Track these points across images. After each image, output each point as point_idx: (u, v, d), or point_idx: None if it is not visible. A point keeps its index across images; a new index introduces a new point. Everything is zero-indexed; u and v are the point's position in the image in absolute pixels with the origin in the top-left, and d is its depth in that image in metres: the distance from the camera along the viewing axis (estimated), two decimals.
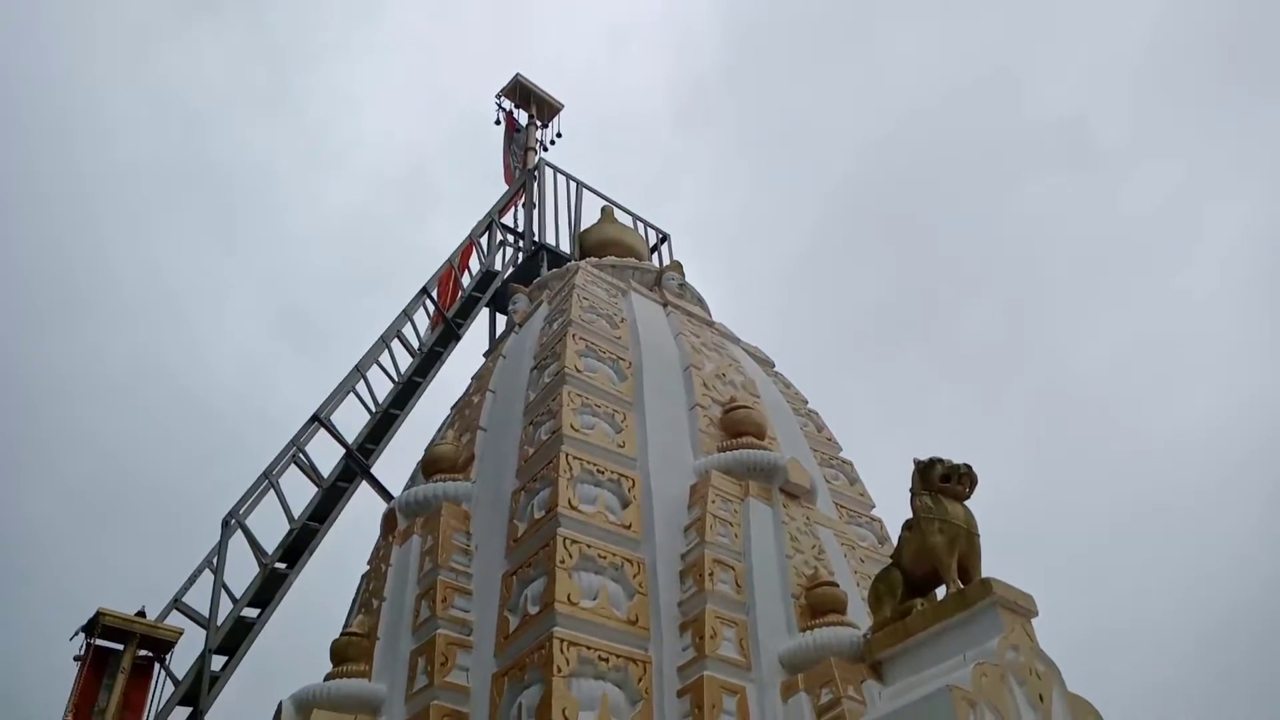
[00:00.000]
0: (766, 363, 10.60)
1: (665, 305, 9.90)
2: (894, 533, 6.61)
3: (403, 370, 11.73)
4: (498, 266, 13.49)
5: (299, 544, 9.82)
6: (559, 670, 5.65)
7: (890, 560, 6.45)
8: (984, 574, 5.63)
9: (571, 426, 7.21)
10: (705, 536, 6.74)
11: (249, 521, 9.60)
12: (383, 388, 11.57)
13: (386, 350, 11.80)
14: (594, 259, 11.00)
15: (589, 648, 5.87)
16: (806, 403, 10.23)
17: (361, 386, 11.33)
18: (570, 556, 6.32)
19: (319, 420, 10.42)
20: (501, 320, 12.53)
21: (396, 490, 8.69)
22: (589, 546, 6.46)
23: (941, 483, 5.97)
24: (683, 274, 10.85)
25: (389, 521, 8.21)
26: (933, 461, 6.06)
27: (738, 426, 8.06)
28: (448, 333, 12.34)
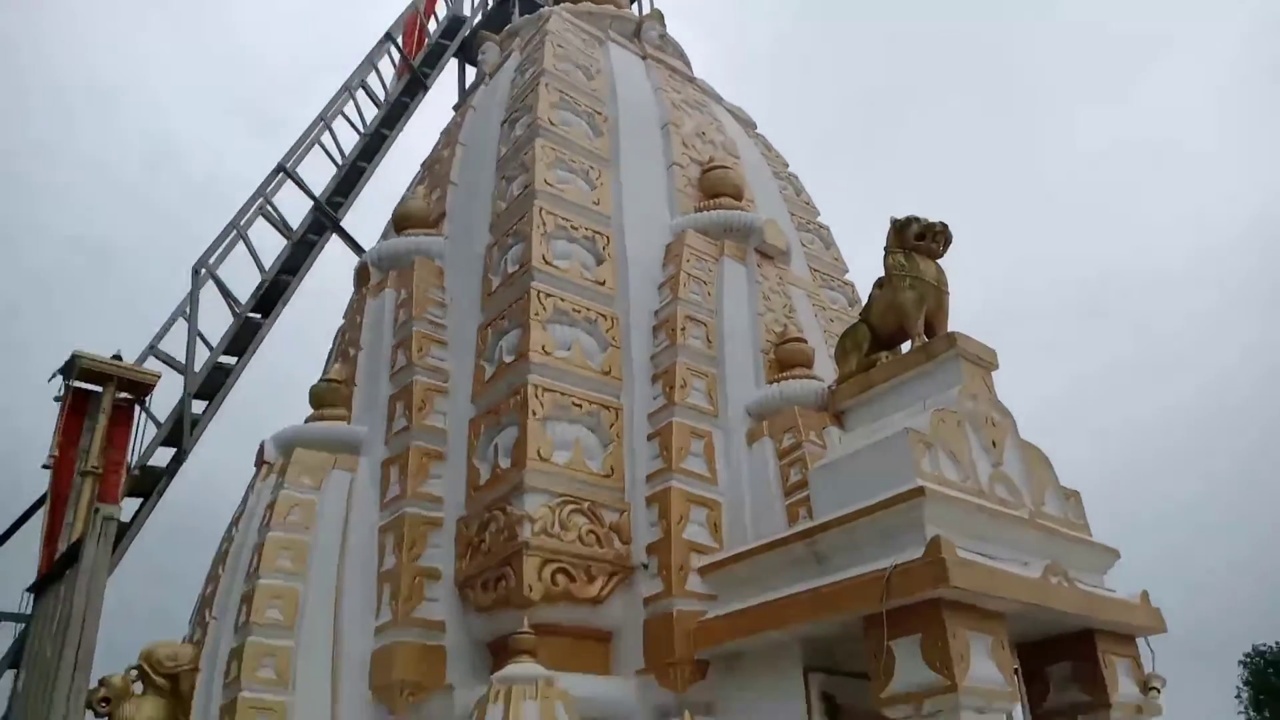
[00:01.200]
0: (748, 124, 10.33)
1: (644, 58, 9.48)
2: (866, 298, 6.73)
3: (369, 122, 11.36)
4: (466, 12, 12.77)
5: (272, 295, 9.85)
6: (534, 414, 5.88)
7: (860, 317, 6.64)
8: (950, 329, 5.81)
9: (545, 181, 7.08)
10: (679, 293, 6.83)
11: (222, 274, 9.59)
12: (350, 142, 11.27)
13: (352, 101, 11.38)
14: (569, 4, 10.39)
15: (563, 394, 6.08)
16: (787, 166, 10.06)
17: (328, 140, 11.03)
18: (544, 310, 6.40)
19: (284, 170, 10.18)
20: (471, 72, 12.03)
21: (368, 246, 8.61)
22: (563, 300, 6.53)
23: (916, 240, 6.03)
24: (664, 24, 10.33)
25: (362, 275, 8.23)
26: (909, 219, 6.09)
27: (715, 186, 7.97)
28: (414, 83, 11.83)
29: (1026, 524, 4.92)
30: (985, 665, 4.19)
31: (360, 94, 11.51)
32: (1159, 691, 5.10)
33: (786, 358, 6.77)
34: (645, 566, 5.72)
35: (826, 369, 6.86)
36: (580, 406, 6.12)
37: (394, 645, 5.72)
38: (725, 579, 5.42)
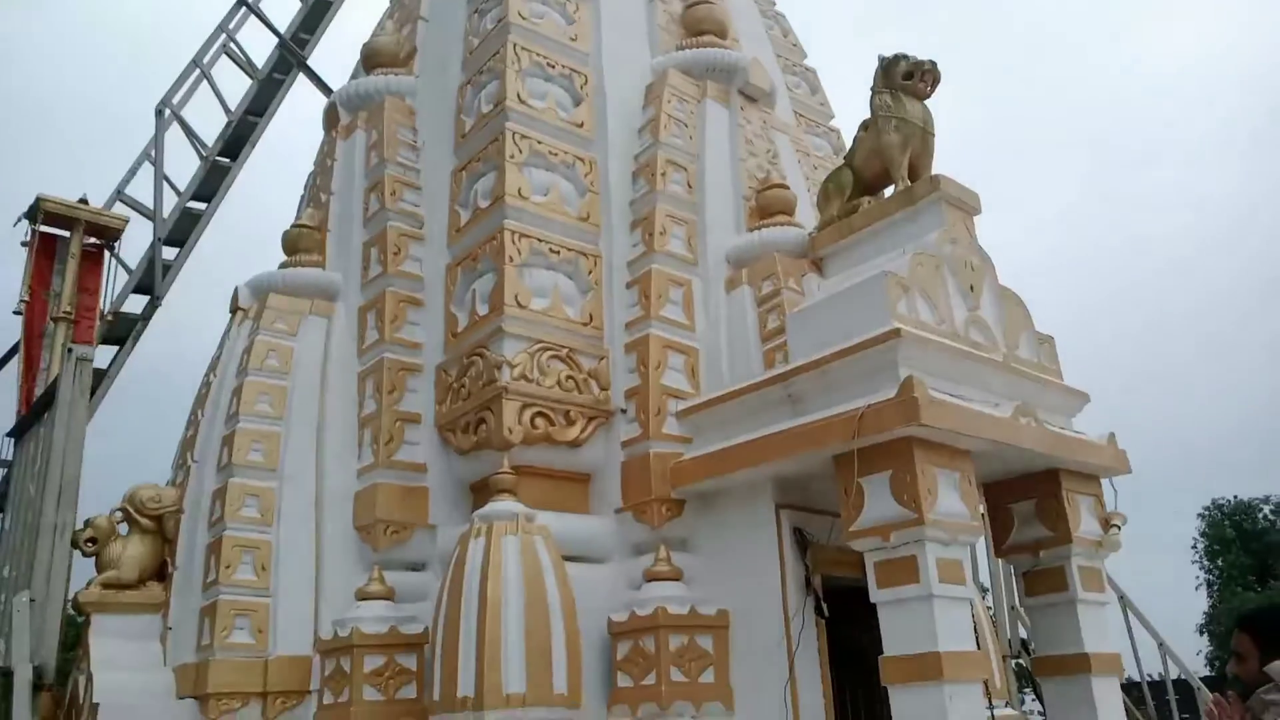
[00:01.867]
0: None
1: None
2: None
3: None
4: None
5: (239, 137, 9.57)
6: (511, 260, 5.84)
7: (843, 162, 6.53)
8: (934, 173, 5.73)
9: (519, 14, 6.78)
10: (659, 137, 6.67)
11: (187, 116, 9.28)
12: None
13: None
14: None
15: (540, 240, 6.02)
16: (774, 4, 9.69)
17: None
18: (520, 151, 6.25)
19: (247, 4, 9.71)
20: None
21: (337, 86, 8.31)
22: (539, 143, 6.38)
23: (903, 80, 5.86)
24: None
25: (331, 116, 8.00)
26: (897, 58, 5.90)
27: (698, 24, 7.67)
28: None
29: (999, 366, 4.99)
30: (952, 500, 4.33)
31: None
32: (1119, 529, 5.32)
33: (768, 204, 6.69)
34: (623, 411, 5.82)
35: (809, 216, 6.80)
36: (558, 253, 6.08)
37: (376, 486, 5.87)
38: (702, 422, 5.51)
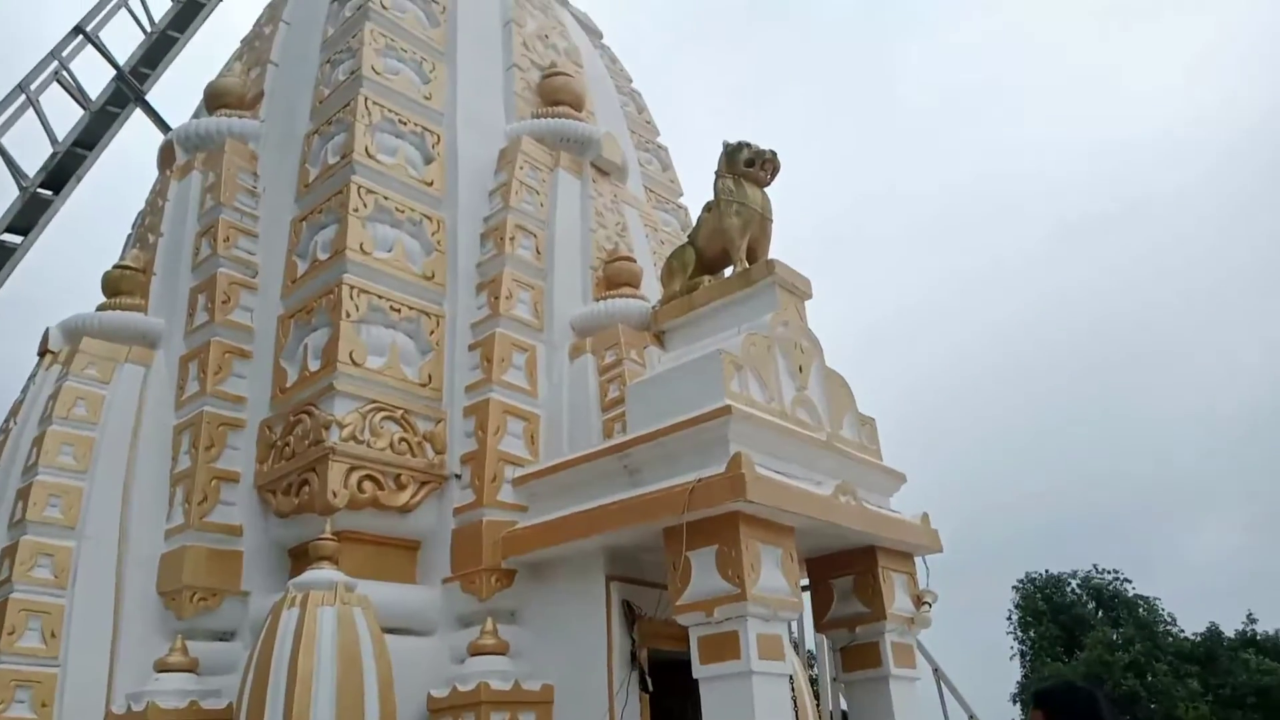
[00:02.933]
0: (595, 33, 10.16)
1: None
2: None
3: None
4: None
5: (65, 170, 9.01)
6: (347, 315, 5.69)
7: (687, 240, 6.74)
8: (771, 257, 5.99)
9: (373, 68, 6.74)
10: (510, 201, 6.71)
11: (6, 142, 8.69)
12: (162, 8, 10.34)
13: None
14: None
15: (380, 296, 5.91)
16: (631, 81, 9.99)
17: (136, 4, 10.07)
18: (365, 205, 6.15)
19: (83, 33, 9.24)
20: None
21: (176, 124, 7.98)
22: (386, 198, 6.29)
23: (745, 167, 6.14)
24: None
25: (166, 155, 7.66)
26: (740, 145, 6.19)
27: (555, 94, 7.83)
28: None
29: (823, 445, 5.19)
30: (774, 576, 4.44)
31: None
32: (930, 606, 5.58)
33: (615, 276, 6.82)
34: (458, 477, 5.72)
35: (654, 290, 6.95)
36: (399, 311, 5.97)
37: (185, 549, 5.52)
38: (538, 490, 5.48)
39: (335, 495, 5.21)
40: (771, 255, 6.02)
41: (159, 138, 8.78)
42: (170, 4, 10.32)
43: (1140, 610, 27.95)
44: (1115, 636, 26.01)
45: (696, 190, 7.84)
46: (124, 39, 9.93)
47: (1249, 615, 26.30)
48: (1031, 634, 30.10)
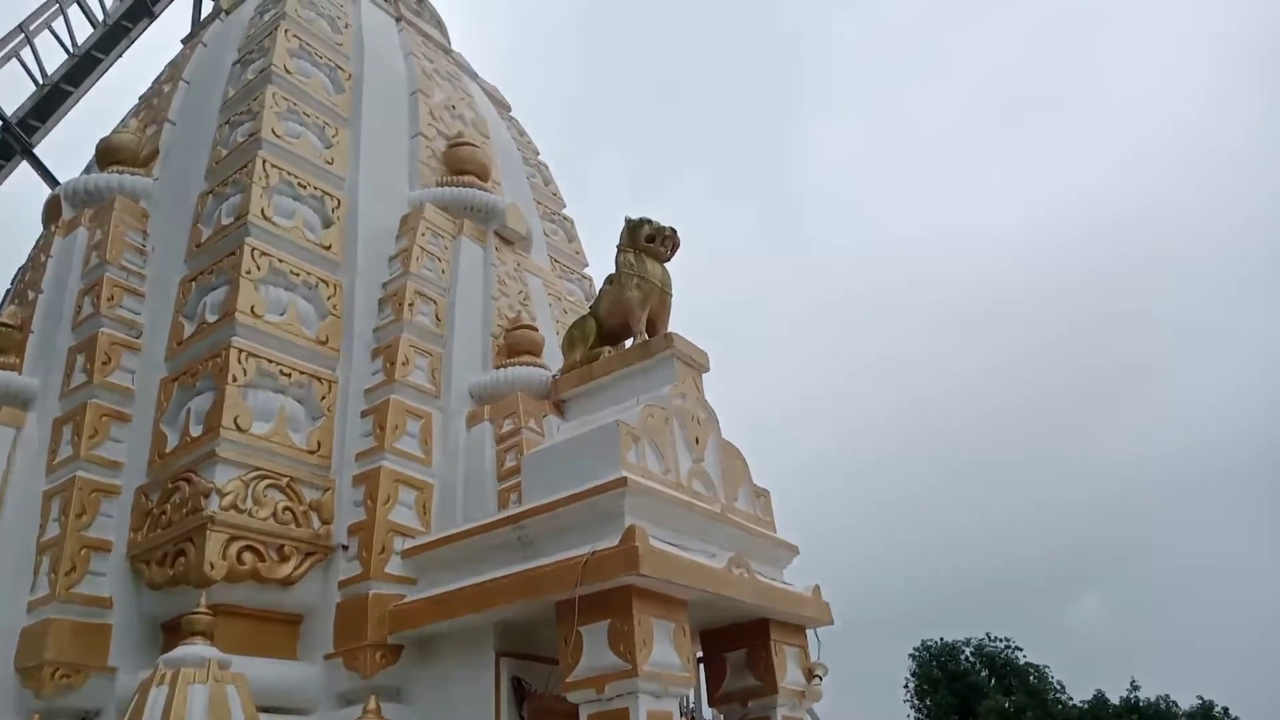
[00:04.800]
0: (502, 105, 10.27)
1: (399, 20, 9.15)
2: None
3: (80, 42, 10.17)
4: None
5: None
6: (234, 379, 5.50)
7: (589, 311, 6.78)
8: (669, 330, 6.07)
9: (273, 131, 6.65)
10: (410, 267, 6.67)
11: None
12: (56, 61, 10.06)
13: (62, 15, 10.15)
14: None
15: (270, 360, 5.74)
16: (538, 154, 10.10)
17: (28, 55, 9.78)
18: (258, 268, 6.01)
19: None
20: (209, 4, 11.09)
21: (65, 179, 7.71)
22: (280, 261, 6.17)
23: (646, 242, 6.25)
24: None
25: (53, 210, 7.37)
26: (641, 221, 6.31)
27: (461, 163, 7.85)
28: (140, 8, 10.73)
29: (717, 517, 5.21)
30: (666, 650, 4.39)
31: (74, 8, 10.28)
32: (820, 679, 5.58)
33: (515, 344, 6.79)
34: (345, 548, 5.53)
35: (556, 359, 6.95)
36: (289, 376, 5.81)
37: (49, 621, 5.17)
38: (429, 563, 5.34)
39: (212, 567, 4.96)
40: (671, 329, 6.11)
41: (45, 192, 8.45)
42: (65, 56, 10.04)
43: (1031, 678, 28.55)
44: (1008, 704, 26.48)
45: (602, 261, 7.95)
46: (14, 90, 9.62)
47: (1132, 682, 27.12)
48: (928, 702, 30.41)
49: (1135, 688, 27.06)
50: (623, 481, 4.58)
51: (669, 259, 6.32)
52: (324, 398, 5.97)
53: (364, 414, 6.02)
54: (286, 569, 5.27)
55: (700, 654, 5.60)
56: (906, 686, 31.54)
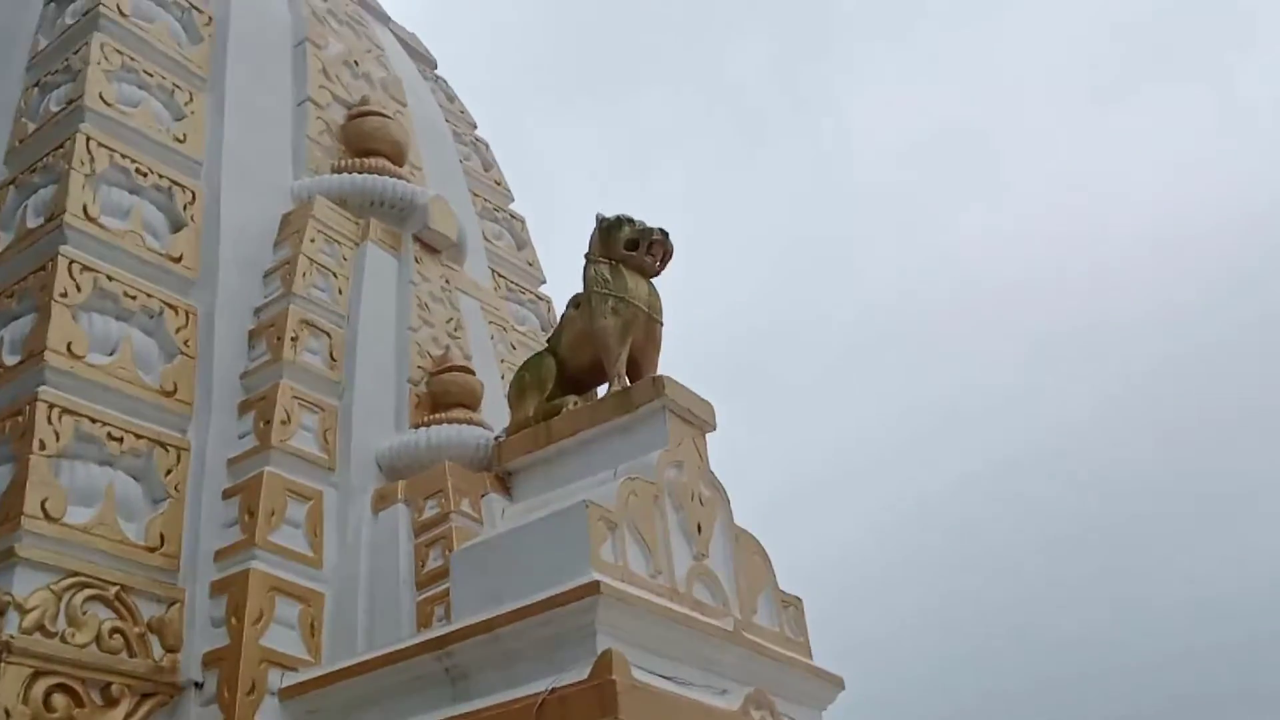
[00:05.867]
0: (426, 60, 10.36)
1: None
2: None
3: None
4: None
5: None
6: (42, 446, 5.47)
7: (546, 345, 6.76)
8: (659, 372, 6.06)
9: (101, 97, 6.69)
10: (294, 287, 6.67)
11: None
12: None
13: None
14: None
15: (93, 419, 5.74)
16: (475, 127, 10.18)
17: None
18: (77, 289, 6.01)
19: None
20: None
21: None
22: (109, 280, 6.19)
23: (627, 250, 6.26)
24: None
25: None
26: (619, 221, 6.34)
27: (365, 140, 7.90)
28: None
29: (729, 638, 5.17)
30: None
31: None
32: None
33: (443, 393, 6.80)
34: (198, 686, 5.51)
35: (499, 413, 6.95)
36: (120, 440, 5.81)
37: None
38: (320, 704, 5.33)
39: (9, 715, 4.89)
40: (662, 370, 6.11)
41: None
42: None
43: None
44: None
45: (565, 276, 7.95)
46: None
47: None
48: None
49: None
50: (594, 587, 4.55)
51: (658, 273, 6.32)
52: (170, 471, 5.97)
53: (227, 494, 6.02)
54: (115, 715, 5.22)
55: None
56: None
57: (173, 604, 5.63)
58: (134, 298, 6.23)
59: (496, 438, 6.43)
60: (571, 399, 6.29)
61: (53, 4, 7.61)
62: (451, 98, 10.11)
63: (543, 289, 9.40)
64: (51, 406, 5.59)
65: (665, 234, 6.31)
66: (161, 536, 5.77)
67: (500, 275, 8.89)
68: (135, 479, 5.83)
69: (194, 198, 6.84)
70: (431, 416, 6.64)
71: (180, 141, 6.98)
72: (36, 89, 7.08)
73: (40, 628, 5.11)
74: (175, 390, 6.19)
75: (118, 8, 7.16)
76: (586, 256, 6.40)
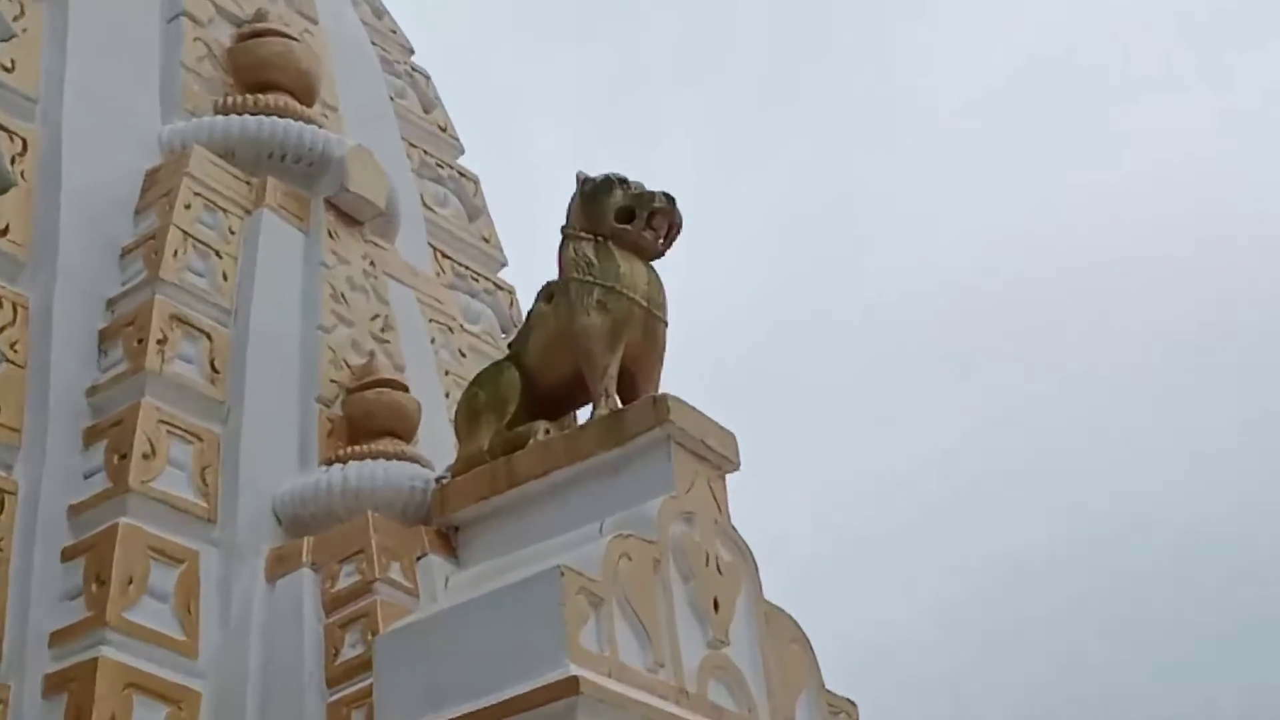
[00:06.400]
0: None
1: None
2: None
3: None
4: None
5: None
6: None
7: (508, 352, 6.73)
8: (662, 390, 6.04)
9: None
10: (162, 271, 6.66)
11: None
12: None
13: None
14: None
15: None
16: (412, 53, 10.15)
17: None
18: None
19: None
20: None
21: None
22: None
23: (619, 222, 6.24)
24: None
25: None
26: (608, 182, 6.32)
27: (262, 70, 7.93)
28: None
29: None
30: None
31: None
32: None
33: (365, 417, 6.81)
34: None
35: (443, 443, 6.99)
36: None
37: None
38: None
39: None
40: (666, 386, 6.13)
41: None
42: None
43: None
44: None
45: (535, 257, 7.91)
46: None
47: None
48: None
49: None
50: (571, 685, 4.55)
51: (662, 253, 6.35)
52: None
53: (67, 554, 6.02)
54: None
55: None
56: None
57: None
58: None
59: (439, 478, 6.43)
60: (542, 426, 6.25)
61: None
62: (380, 13, 10.08)
63: (504, 275, 9.37)
64: None
65: (671, 200, 6.29)
66: None
67: (445, 256, 8.86)
68: None
69: (24, 147, 6.86)
70: (350, 449, 6.64)
71: (7, 71, 6.97)
72: None
73: None
74: None
75: None
76: (564, 231, 6.40)
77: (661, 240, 6.30)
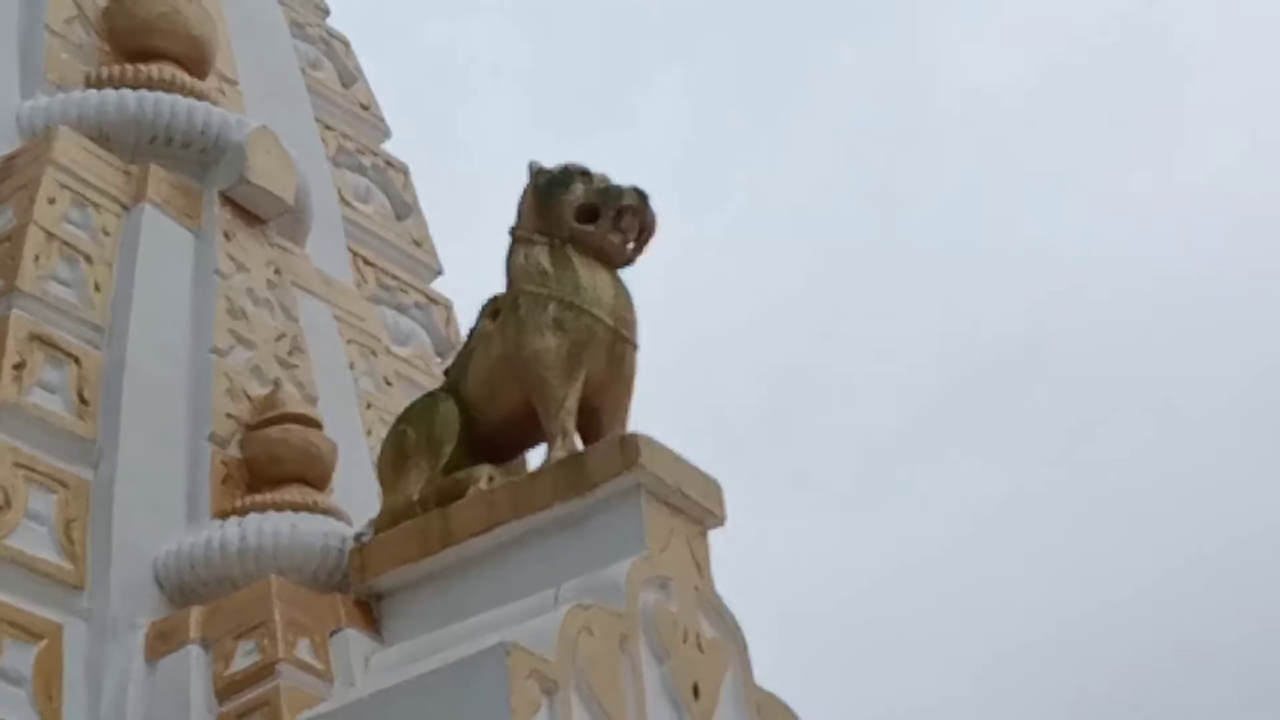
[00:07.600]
0: None
1: None
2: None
3: None
4: None
5: None
6: None
7: (444, 381, 6.74)
8: (632, 428, 6.05)
9: None
10: (20, 281, 6.65)
11: None
12: None
13: None
14: None
15: None
16: (328, 14, 10.18)
17: None
18: None
19: None
20: None
21: None
22: None
23: (580, 222, 6.26)
24: None
25: None
26: (567, 174, 6.36)
27: (144, 34, 7.97)
28: None
29: None
30: None
31: None
32: None
33: (269, 460, 6.84)
34: None
35: (363, 493, 6.98)
36: None
37: None
38: None
39: None
40: (637, 424, 6.16)
41: None
42: None
43: None
44: None
45: (476, 266, 7.94)
46: None
47: None
48: None
49: None
50: None
51: (632, 261, 6.40)
52: None
53: None
54: None
55: None
56: None
57: None
58: None
59: (359, 535, 6.43)
60: (485, 471, 6.26)
61: None
62: None
63: (439, 285, 9.40)
64: None
65: (643, 196, 6.32)
66: None
67: (368, 262, 8.89)
68: None
69: None
70: (250, 499, 6.67)
71: None
72: None
73: None
74: None
75: None
76: (513, 233, 6.43)
77: (631, 245, 6.31)
